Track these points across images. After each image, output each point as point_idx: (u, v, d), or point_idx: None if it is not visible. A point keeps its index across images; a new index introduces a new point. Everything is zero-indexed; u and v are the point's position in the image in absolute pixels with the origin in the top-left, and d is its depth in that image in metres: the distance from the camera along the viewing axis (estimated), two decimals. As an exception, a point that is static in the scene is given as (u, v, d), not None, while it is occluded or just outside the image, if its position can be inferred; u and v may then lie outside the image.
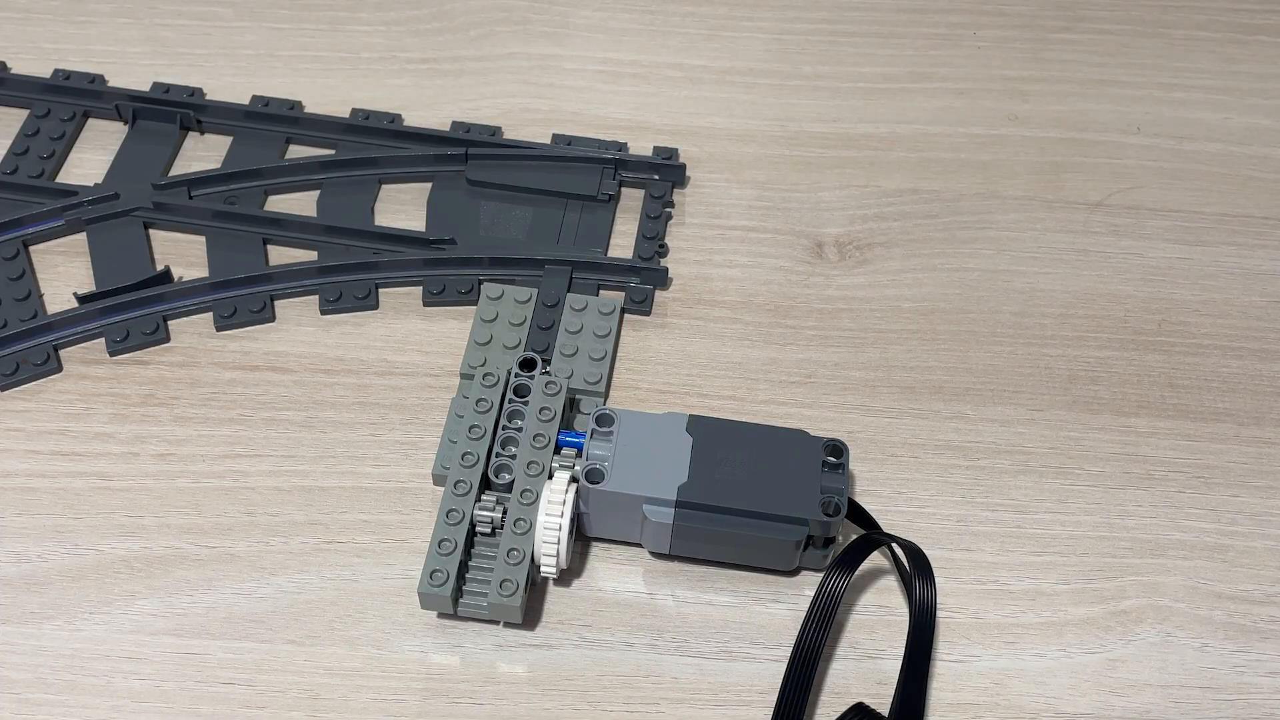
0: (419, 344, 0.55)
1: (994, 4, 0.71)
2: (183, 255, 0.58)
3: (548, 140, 0.63)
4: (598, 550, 0.50)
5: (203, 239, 0.58)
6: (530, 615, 0.48)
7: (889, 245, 0.60)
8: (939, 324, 0.57)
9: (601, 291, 0.57)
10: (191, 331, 0.55)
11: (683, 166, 0.61)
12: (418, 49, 0.67)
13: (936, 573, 0.47)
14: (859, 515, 0.49)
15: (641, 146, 0.62)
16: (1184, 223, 0.62)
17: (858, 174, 0.63)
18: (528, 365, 0.51)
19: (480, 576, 0.47)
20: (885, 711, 0.45)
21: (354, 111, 0.63)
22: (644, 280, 0.57)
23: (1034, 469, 0.53)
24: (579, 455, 0.48)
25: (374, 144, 0.62)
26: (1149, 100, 0.67)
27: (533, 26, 0.69)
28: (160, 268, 0.56)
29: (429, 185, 0.61)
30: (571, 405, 0.52)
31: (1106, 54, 0.69)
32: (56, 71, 0.63)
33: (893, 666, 0.47)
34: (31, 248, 0.57)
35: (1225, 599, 0.49)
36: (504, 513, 0.47)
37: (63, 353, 0.54)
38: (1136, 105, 0.67)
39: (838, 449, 0.48)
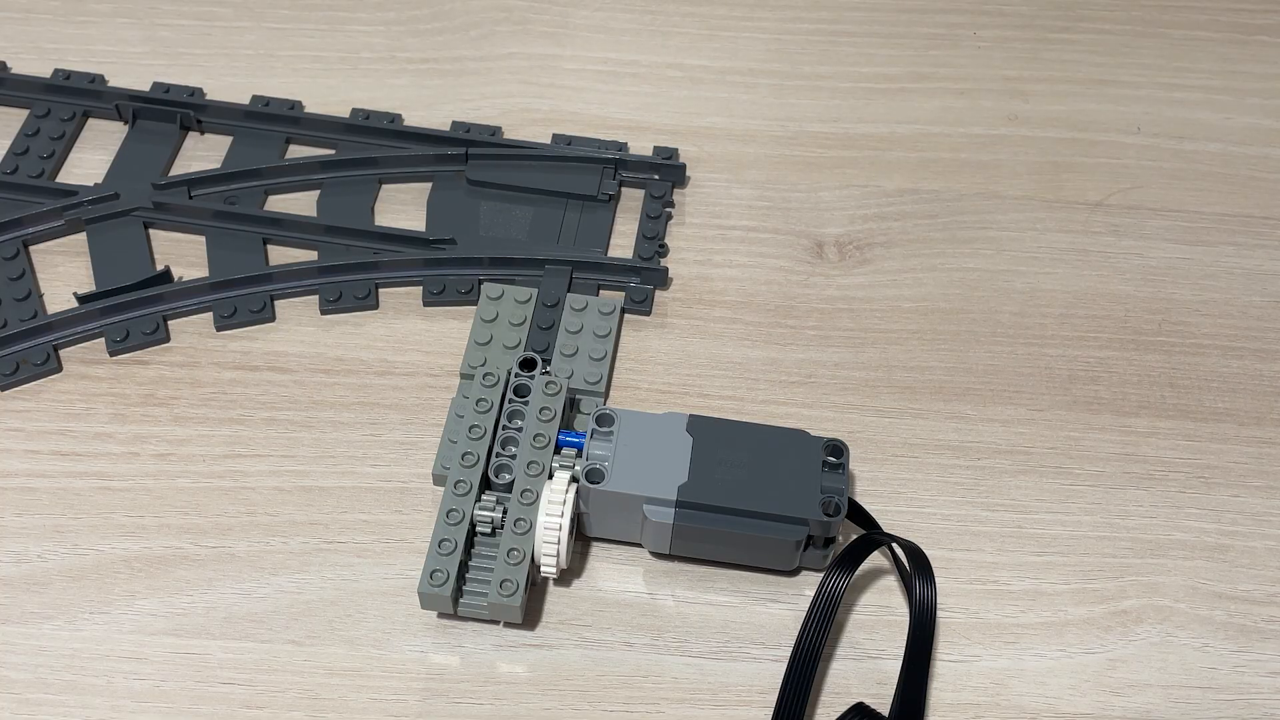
0: (419, 344, 0.55)
1: (994, 4, 0.71)
2: (183, 255, 0.58)
3: (548, 140, 0.63)
4: (598, 550, 0.50)
5: (203, 239, 0.58)
6: (530, 615, 0.48)
7: (889, 245, 0.60)
8: (939, 324, 0.57)
9: (601, 291, 0.57)
10: (191, 331, 0.55)
11: (683, 166, 0.61)
12: (418, 49, 0.67)
13: (936, 573, 0.47)
14: (859, 515, 0.49)
15: (641, 146, 0.62)
16: (1184, 223, 0.62)
17: (858, 174, 0.63)
18: (528, 365, 0.51)
19: (480, 576, 0.47)
20: (885, 711, 0.45)
21: (354, 111, 0.63)
22: (644, 280, 0.57)
23: (1034, 469, 0.53)
24: (579, 455, 0.48)
25: (374, 144, 0.62)
26: (1149, 100, 0.67)
27: (533, 26, 0.69)
28: (160, 268, 0.56)
29: (429, 185, 0.61)
30: (571, 405, 0.52)
31: (1106, 54, 0.69)
32: (56, 71, 0.63)
33: (893, 666, 0.47)
34: (31, 248, 0.57)
35: (1225, 599, 0.49)
36: (504, 513, 0.47)
37: (63, 353, 0.54)
38: (1136, 105, 0.67)
39: (838, 449, 0.48)
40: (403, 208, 0.60)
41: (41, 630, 0.47)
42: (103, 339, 0.54)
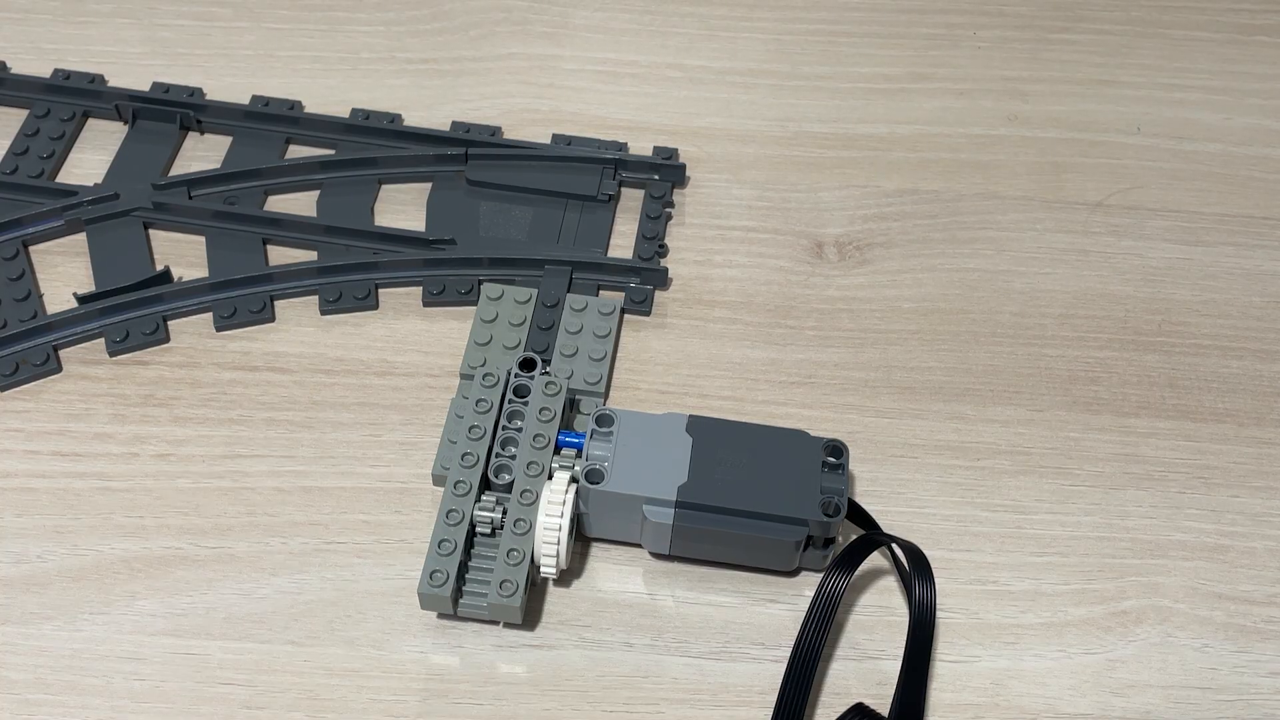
0: (419, 344, 0.55)
1: (994, 4, 0.71)
2: (183, 255, 0.58)
3: (548, 140, 0.63)
4: (598, 550, 0.50)
5: (203, 239, 0.58)
6: (530, 615, 0.48)
7: (889, 245, 0.60)
8: (939, 324, 0.57)
9: (601, 292, 0.57)
10: (191, 331, 0.55)
11: (683, 166, 0.61)
12: (418, 49, 0.67)
13: (936, 573, 0.47)
14: (859, 515, 0.49)
15: (641, 146, 0.62)
16: (1184, 223, 0.62)
17: (858, 174, 0.63)
18: (528, 365, 0.51)
19: (480, 577, 0.47)
20: (885, 711, 0.45)
21: (354, 111, 0.63)
22: (644, 280, 0.57)
23: (1034, 469, 0.53)
24: (579, 455, 0.48)
25: (374, 144, 0.62)
26: (1149, 100, 0.67)
27: (533, 26, 0.69)
28: (160, 268, 0.56)
29: (429, 185, 0.61)
30: (571, 405, 0.52)
31: (1106, 54, 0.69)
32: (56, 71, 0.63)
33: (893, 666, 0.47)
34: (31, 248, 0.57)
35: (1225, 599, 0.49)
36: (504, 513, 0.47)
37: (63, 353, 0.54)
38: (1136, 105, 0.67)
39: (838, 449, 0.48)
40: (403, 208, 0.60)
41: (41, 630, 0.47)
42: (103, 339, 0.54)
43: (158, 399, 0.53)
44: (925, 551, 0.47)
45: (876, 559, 0.50)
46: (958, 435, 0.54)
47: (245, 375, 0.54)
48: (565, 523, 0.46)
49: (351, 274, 0.57)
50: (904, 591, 0.49)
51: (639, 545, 0.50)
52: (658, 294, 0.58)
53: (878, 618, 0.49)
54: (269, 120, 0.62)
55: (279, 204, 0.60)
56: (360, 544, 0.49)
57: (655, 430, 0.48)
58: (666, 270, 0.58)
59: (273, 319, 0.56)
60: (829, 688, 0.47)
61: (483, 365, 0.53)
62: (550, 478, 0.48)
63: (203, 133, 0.62)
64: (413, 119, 0.63)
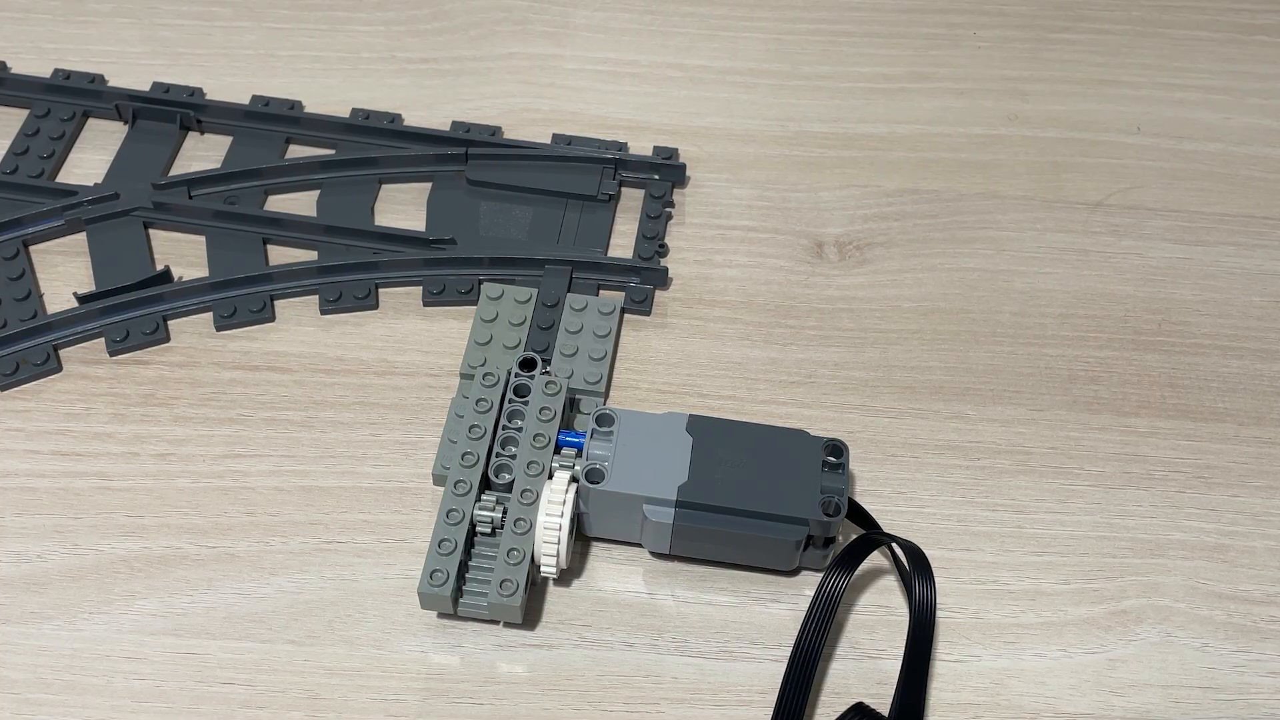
0: (419, 344, 0.55)
1: (994, 4, 0.71)
2: (183, 255, 0.58)
3: (548, 140, 0.63)
4: (598, 550, 0.50)
5: (203, 239, 0.58)
6: (530, 615, 0.48)
7: (889, 245, 0.60)
8: (939, 324, 0.57)
9: (601, 291, 0.57)
10: (191, 331, 0.55)
11: (683, 166, 0.61)
12: (418, 49, 0.67)
13: (936, 573, 0.47)
14: (859, 515, 0.49)
15: (641, 146, 0.62)
16: (1184, 223, 0.62)
17: (858, 174, 0.63)
18: (528, 365, 0.51)
19: (480, 576, 0.47)
20: (885, 711, 0.45)
21: (354, 111, 0.63)
22: (644, 280, 0.57)
23: (1034, 469, 0.53)
24: (579, 455, 0.48)
25: (374, 144, 0.62)
26: (1149, 100, 0.67)
27: (533, 26, 0.69)
28: (160, 268, 0.56)
29: (429, 185, 0.61)
30: (571, 405, 0.52)
31: (1106, 54, 0.69)
32: (56, 71, 0.63)
33: (893, 666, 0.47)
34: (31, 248, 0.57)
35: (1225, 599, 0.49)
36: (504, 513, 0.47)
37: (63, 353, 0.54)
38: (1136, 105, 0.67)
39: (838, 449, 0.48)
40: (403, 208, 0.60)
41: (41, 630, 0.47)
42: (103, 339, 0.54)
43: (158, 399, 0.53)
44: (925, 551, 0.47)
45: (876, 559, 0.50)
46: (958, 435, 0.54)
47: (245, 375, 0.54)
48: (565, 522, 0.46)
49: (351, 274, 0.57)
50: (904, 591, 0.49)
51: (639, 545, 0.50)
52: (658, 294, 0.58)
53: (878, 617, 0.49)
54: (269, 120, 0.62)
55: (279, 204, 0.60)
56: (360, 544, 0.49)
57: (655, 430, 0.48)
58: (666, 270, 0.58)
59: (273, 319, 0.56)
60: (829, 688, 0.47)
61: (483, 365, 0.53)
62: (550, 477, 0.48)
63: (203, 133, 0.62)
64: (413, 119, 0.63)
